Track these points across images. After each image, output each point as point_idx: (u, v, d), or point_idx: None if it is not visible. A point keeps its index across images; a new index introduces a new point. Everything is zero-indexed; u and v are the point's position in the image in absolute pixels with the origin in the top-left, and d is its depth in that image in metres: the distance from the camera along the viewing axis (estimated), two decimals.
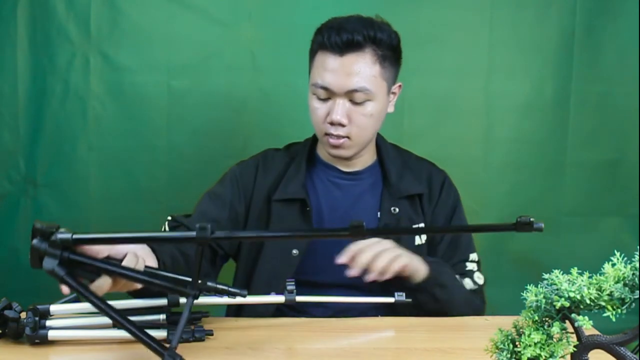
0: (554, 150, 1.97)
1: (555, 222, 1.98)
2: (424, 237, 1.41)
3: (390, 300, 1.23)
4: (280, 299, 1.18)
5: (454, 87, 1.94)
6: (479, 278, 1.39)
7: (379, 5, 1.89)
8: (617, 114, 1.96)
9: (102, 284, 0.93)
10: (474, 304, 1.35)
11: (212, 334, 1.11)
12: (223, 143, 1.90)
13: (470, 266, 1.41)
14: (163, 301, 1.10)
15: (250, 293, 1.41)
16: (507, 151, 1.97)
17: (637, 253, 0.66)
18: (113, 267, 0.92)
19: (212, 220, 1.34)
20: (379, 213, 1.38)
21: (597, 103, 1.95)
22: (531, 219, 0.81)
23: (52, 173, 1.94)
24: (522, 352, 0.68)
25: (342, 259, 1.18)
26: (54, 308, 1.07)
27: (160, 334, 1.07)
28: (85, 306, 1.08)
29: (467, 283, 1.36)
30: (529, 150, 1.97)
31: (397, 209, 1.38)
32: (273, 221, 1.38)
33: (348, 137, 1.32)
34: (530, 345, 0.67)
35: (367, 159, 1.43)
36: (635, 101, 1.94)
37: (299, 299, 1.19)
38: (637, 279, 0.65)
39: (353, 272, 1.17)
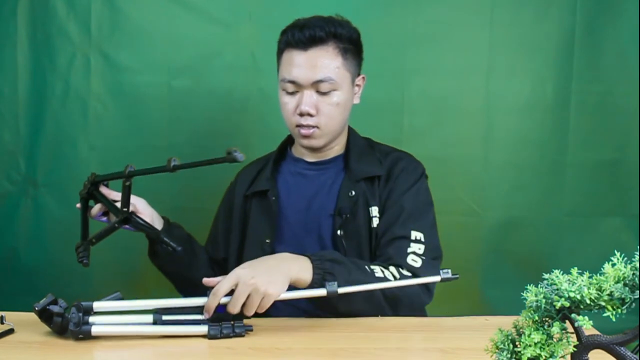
0: (554, 150, 1.96)
1: (555, 222, 1.98)
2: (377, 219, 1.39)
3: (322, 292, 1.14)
4: (322, 292, 1.13)
5: (454, 87, 1.94)
6: (414, 261, 1.30)
7: (379, 6, 1.90)
8: (617, 114, 1.96)
9: (94, 208, 1.37)
10: (393, 297, 1.26)
11: (252, 330, 1.13)
12: (223, 143, 1.89)
13: (415, 247, 1.33)
14: (203, 300, 1.13)
15: None
16: (507, 151, 1.97)
17: (637, 253, 0.66)
18: (103, 199, 1.36)
19: (216, 237, 1.57)
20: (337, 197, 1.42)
21: (597, 103, 1.95)
22: None
23: (52, 173, 1.94)
24: (522, 352, 0.68)
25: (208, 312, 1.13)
26: (97, 305, 1.11)
27: (200, 329, 1.11)
28: (127, 304, 1.13)
29: (388, 274, 1.25)
30: (529, 150, 1.96)
31: (353, 192, 1.40)
32: (251, 215, 1.49)
33: (317, 127, 1.39)
34: (530, 345, 0.67)
35: (337, 150, 1.49)
36: (635, 101, 1.93)
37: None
38: (637, 279, 0.65)
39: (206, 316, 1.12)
